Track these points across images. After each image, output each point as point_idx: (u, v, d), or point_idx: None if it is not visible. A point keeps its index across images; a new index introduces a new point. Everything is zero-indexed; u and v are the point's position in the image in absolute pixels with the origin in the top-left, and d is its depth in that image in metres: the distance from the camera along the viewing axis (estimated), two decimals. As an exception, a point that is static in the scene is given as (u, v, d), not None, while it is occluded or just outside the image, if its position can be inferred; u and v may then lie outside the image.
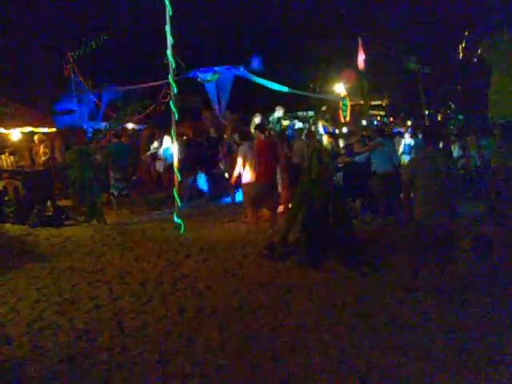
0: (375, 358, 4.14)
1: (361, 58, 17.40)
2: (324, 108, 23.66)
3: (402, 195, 9.01)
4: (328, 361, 4.12)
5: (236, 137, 11.02)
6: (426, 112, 17.93)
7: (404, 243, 7.16)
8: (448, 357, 4.13)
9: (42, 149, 11.81)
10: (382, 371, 3.95)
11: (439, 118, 24.38)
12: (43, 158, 11.69)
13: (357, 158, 9.63)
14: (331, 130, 17.96)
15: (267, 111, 18.12)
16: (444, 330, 4.66)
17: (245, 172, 8.86)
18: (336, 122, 19.43)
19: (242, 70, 14.50)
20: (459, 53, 27.10)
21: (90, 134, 13.52)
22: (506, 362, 4.02)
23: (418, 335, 4.58)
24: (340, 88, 19.57)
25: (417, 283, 5.74)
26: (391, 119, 23.06)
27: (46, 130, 13.64)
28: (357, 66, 19.19)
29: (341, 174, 9.90)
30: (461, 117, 24.36)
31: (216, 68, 14.06)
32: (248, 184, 8.82)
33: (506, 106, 6.54)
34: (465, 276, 6.18)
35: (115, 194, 10.87)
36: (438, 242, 5.59)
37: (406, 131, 15.09)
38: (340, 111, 19.33)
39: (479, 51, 24.47)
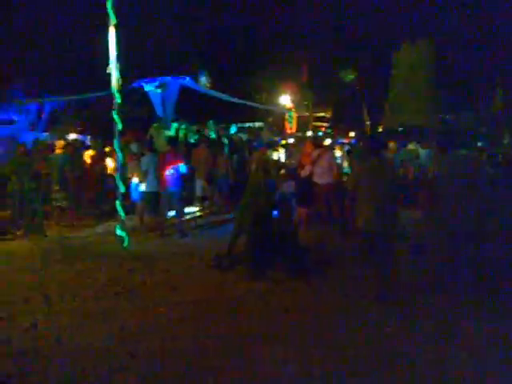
0: (321, 367, 4.20)
1: (304, 70, 17.83)
2: (270, 119, 24.00)
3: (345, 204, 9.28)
4: (273, 370, 4.16)
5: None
6: (368, 123, 18.47)
7: (347, 251, 7.32)
8: (389, 362, 4.26)
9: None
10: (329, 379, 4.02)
11: (380, 129, 25.12)
12: None
13: (302, 173, 9.80)
14: (277, 140, 18.20)
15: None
16: (386, 336, 4.81)
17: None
18: (282, 133, 19.72)
19: (187, 80, 14.44)
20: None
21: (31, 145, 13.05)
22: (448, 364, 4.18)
23: (360, 341, 4.70)
24: (286, 100, 19.89)
25: (359, 290, 5.87)
26: (335, 130, 23.58)
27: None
28: (302, 78, 19.62)
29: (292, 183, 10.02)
30: (401, 128, 25.20)
31: (161, 78, 13.93)
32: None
33: (402, 115, 6.91)
34: (405, 282, 6.37)
35: (56, 205, 10.60)
36: (379, 250, 5.74)
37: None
38: (286, 122, 19.63)
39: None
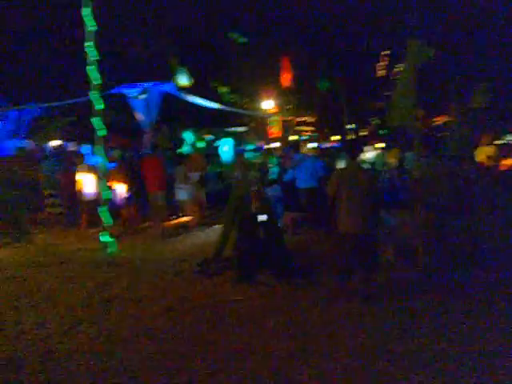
0: (308, 368, 4.24)
1: (286, 75, 17.92)
2: (254, 124, 24.06)
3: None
4: (260, 375, 4.19)
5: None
6: (350, 127, 18.64)
7: (331, 254, 7.40)
8: (381, 363, 4.32)
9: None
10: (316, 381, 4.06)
11: (364, 133, 25.44)
12: None
13: (284, 178, 9.87)
14: (260, 146, 18.29)
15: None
16: (376, 336, 4.86)
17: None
18: (266, 138, 19.78)
19: (170, 86, 14.43)
20: (380, 70, 28.48)
21: (11, 152, 12.93)
22: (434, 364, 4.26)
23: (350, 343, 4.74)
24: (268, 104, 19.98)
25: (345, 292, 5.95)
26: (318, 135, 23.75)
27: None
28: (284, 82, 19.73)
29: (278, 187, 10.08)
30: (383, 131, 25.52)
31: (144, 84, 13.89)
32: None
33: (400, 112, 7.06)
34: (390, 283, 6.48)
35: (50, 211, 10.66)
36: (363, 252, 5.83)
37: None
38: (269, 127, 19.69)
39: (396, 69, 25.93)
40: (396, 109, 7.09)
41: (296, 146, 11.64)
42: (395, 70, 26.73)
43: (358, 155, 6.34)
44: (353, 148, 6.26)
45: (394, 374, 4.11)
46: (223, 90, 24.36)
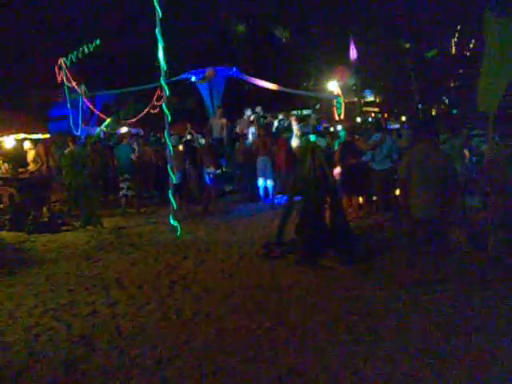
0: (372, 355, 4.14)
1: (353, 55, 17.44)
2: (318, 106, 23.71)
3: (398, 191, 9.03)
4: (325, 358, 4.13)
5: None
6: (420, 107, 17.89)
7: (400, 238, 7.18)
8: (444, 354, 4.14)
9: (31, 156, 11.79)
10: (379, 368, 3.95)
11: (433, 114, 24.41)
12: (33, 165, 11.68)
13: (364, 158, 9.51)
14: (325, 127, 17.99)
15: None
16: (441, 326, 4.66)
17: None
18: (331, 120, 19.42)
19: (234, 70, 14.49)
20: (452, 48, 27.17)
21: (83, 139, 13.43)
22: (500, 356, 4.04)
23: (414, 331, 4.58)
24: (333, 86, 19.55)
25: (413, 278, 5.74)
26: (385, 115, 23.03)
27: (39, 136, 13.65)
28: (349, 63, 19.22)
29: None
30: (455, 111, 24.43)
31: (208, 69, 14.03)
32: None
33: (493, 95, 6.46)
34: (460, 269, 6.18)
35: (121, 194, 11.10)
36: (433, 236, 5.59)
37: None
38: (334, 109, 19.30)
39: (471, 45, 24.59)
40: (486, 91, 6.49)
41: (378, 124, 11.34)
42: (470, 46, 25.35)
43: (435, 136, 6.02)
44: (426, 128, 5.96)
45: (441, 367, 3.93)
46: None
